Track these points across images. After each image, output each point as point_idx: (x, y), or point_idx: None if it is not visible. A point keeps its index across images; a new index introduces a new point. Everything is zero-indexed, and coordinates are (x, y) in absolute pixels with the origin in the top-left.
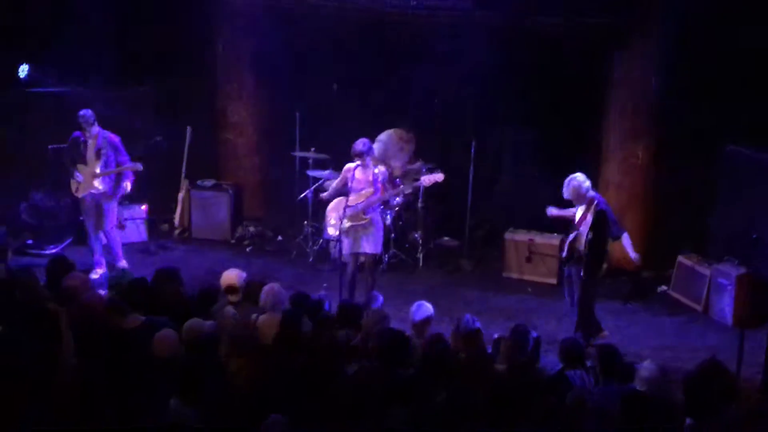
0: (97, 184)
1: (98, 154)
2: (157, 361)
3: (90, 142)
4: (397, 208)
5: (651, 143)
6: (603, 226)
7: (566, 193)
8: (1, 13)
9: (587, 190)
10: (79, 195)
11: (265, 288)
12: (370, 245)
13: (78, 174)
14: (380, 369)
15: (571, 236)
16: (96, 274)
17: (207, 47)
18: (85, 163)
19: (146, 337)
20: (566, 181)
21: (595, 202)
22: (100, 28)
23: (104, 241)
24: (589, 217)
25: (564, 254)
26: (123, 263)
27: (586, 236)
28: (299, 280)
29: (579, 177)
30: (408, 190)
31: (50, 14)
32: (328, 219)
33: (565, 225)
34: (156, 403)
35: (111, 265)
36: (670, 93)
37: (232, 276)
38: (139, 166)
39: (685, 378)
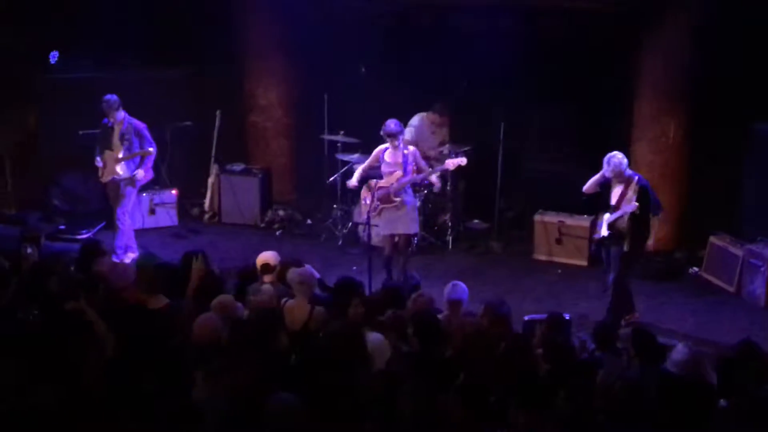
0: (119, 169)
1: (122, 140)
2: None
3: (115, 127)
4: (425, 192)
5: (682, 122)
6: (646, 201)
7: (607, 170)
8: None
9: (626, 168)
10: (104, 180)
11: (295, 270)
12: (404, 225)
13: (99, 159)
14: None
15: (613, 216)
16: (128, 258)
17: (237, 30)
18: (111, 148)
19: (170, 318)
20: (606, 158)
21: (636, 179)
22: (131, 12)
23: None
24: (630, 194)
25: (600, 235)
26: (128, 257)
27: (629, 213)
28: (328, 263)
29: (619, 155)
30: (436, 173)
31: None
32: (362, 200)
33: (596, 206)
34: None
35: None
36: (702, 70)
37: (268, 256)
38: (152, 151)
39: (720, 359)
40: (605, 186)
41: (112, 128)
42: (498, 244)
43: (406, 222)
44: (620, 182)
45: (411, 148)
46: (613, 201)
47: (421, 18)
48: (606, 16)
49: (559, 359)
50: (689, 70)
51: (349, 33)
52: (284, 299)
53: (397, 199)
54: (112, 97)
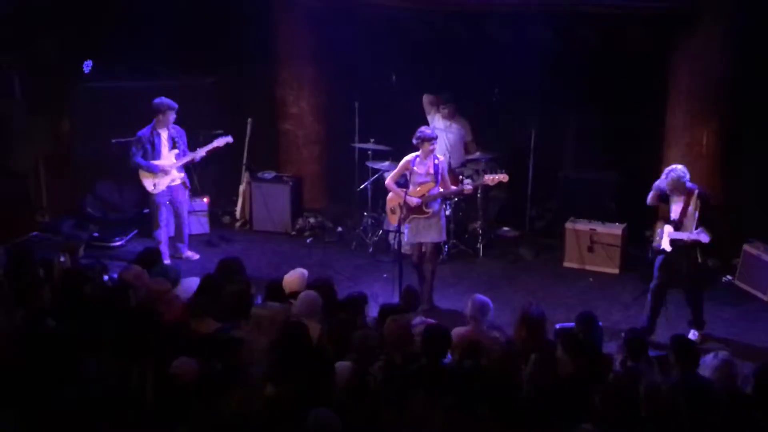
0: (176, 175)
1: (174, 144)
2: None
3: (162, 134)
4: (456, 200)
5: (716, 129)
6: (711, 212)
7: (663, 182)
8: (64, 9)
9: (688, 180)
10: (158, 190)
11: (300, 295)
12: (432, 234)
13: (156, 165)
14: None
15: (678, 235)
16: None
17: (268, 38)
18: (159, 157)
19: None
20: (666, 171)
21: (697, 191)
22: (163, 21)
23: (171, 233)
24: (692, 209)
25: (660, 246)
26: (189, 254)
27: (697, 224)
28: (359, 270)
29: (680, 167)
30: (469, 189)
31: (113, 9)
32: (388, 209)
33: (625, 215)
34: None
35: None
36: (736, 76)
37: (293, 282)
38: (203, 154)
39: (757, 369)
40: (664, 198)
41: (158, 135)
42: (529, 251)
43: (436, 231)
44: (680, 195)
45: (441, 158)
46: (674, 215)
47: (453, 26)
48: (639, 21)
49: (583, 356)
50: (723, 76)
51: (380, 41)
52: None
53: (429, 210)
54: (166, 100)
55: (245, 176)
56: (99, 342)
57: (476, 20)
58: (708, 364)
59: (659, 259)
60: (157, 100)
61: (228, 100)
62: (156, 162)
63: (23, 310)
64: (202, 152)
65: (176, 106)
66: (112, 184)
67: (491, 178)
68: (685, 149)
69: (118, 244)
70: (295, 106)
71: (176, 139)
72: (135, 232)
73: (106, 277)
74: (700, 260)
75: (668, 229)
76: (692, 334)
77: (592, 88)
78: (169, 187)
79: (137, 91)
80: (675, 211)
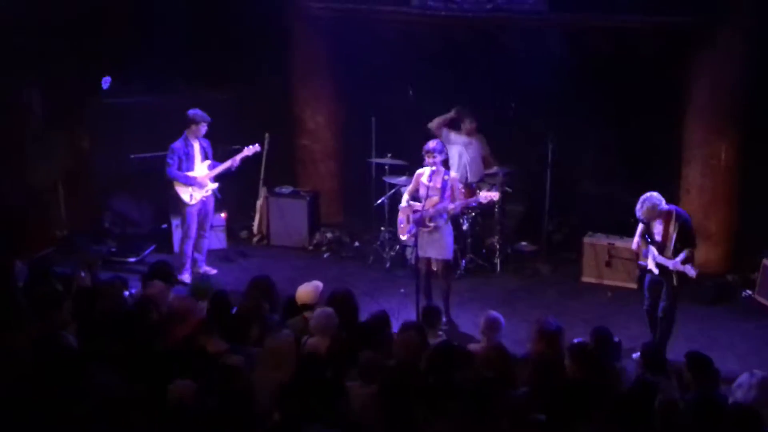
0: (210, 186)
1: (205, 156)
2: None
3: (195, 145)
4: (473, 214)
5: (734, 143)
6: (691, 234)
7: (641, 212)
8: (82, 25)
9: (662, 204)
10: (194, 201)
11: (317, 311)
12: (436, 251)
13: (192, 178)
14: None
15: (662, 260)
16: (187, 279)
17: (285, 53)
18: (193, 168)
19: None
20: (641, 200)
21: (675, 213)
22: (181, 37)
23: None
24: (672, 230)
25: (648, 267)
26: (207, 268)
27: (674, 247)
28: (376, 285)
29: (655, 195)
30: (472, 204)
31: (130, 24)
32: (399, 218)
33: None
34: None
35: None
36: (754, 90)
37: (307, 294)
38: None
39: None
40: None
41: (191, 146)
42: (546, 266)
43: (439, 247)
44: (659, 219)
45: (453, 174)
46: (658, 237)
47: (470, 40)
48: (657, 35)
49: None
50: (741, 90)
51: (396, 55)
52: (305, 337)
53: (432, 224)
54: (200, 112)
55: (262, 191)
56: (111, 357)
57: (493, 34)
58: (744, 383)
59: (647, 279)
60: (191, 112)
61: (245, 115)
62: (190, 174)
63: (42, 325)
64: (237, 160)
65: (210, 118)
66: (130, 199)
67: (484, 196)
68: (703, 163)
69: (135, 259)
70: (312, 121)
71: (207, 151)
72: (153, 247)
73: (126, 293)
74: (675, 283)
75: (653, 250)
76: (635, 356)
77: (610, 102)
78: (201, 199)
79: (155, 107)
80: (657, 233)
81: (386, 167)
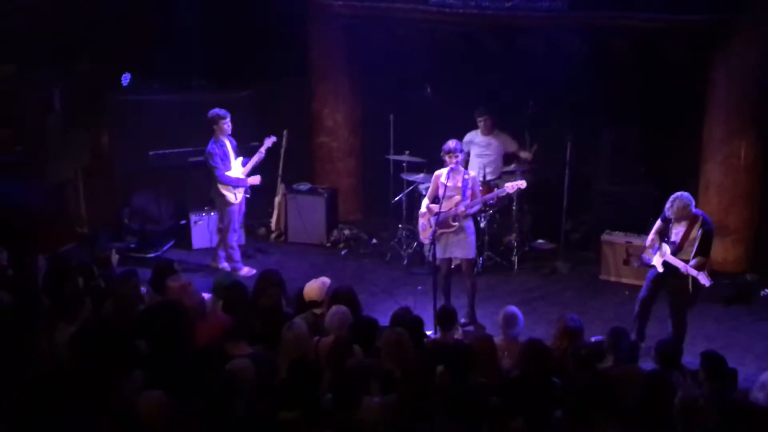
0: (252, 180)
1: (237, 154)
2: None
3: (227, 144)
4: (491, 212)
5: (754, 142)
6: (710, 242)
7: (672, 210)
8: (102, 22)
9: (693, 205)
10: (238, 201)
11: (332, 309)
12: (461, 250)
13: (242, 180)
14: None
15: (674, 262)
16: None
17: (303, 51)
18: (230, 168)
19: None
20: (672, 198)
21: (701, 219)
22: (200, 35)
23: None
24: (694, 235)
25: (651, 262)
26: (224, 264)
27: (696, 252)
28: (394, 283)
29: (686, 195)
30: (492, 200)
31: (150, 22)
32: (420, 223)
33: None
34: None
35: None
36: None
37: (313, 291)
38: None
39: None
40: (667, 218)
41: (223, 145)
42: (564, 264)
43: (464, 247)
44: (685, 220)
45: (472, 173)
46: (674, 238)
47: (488, 38)
48: (675, 35)
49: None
50: (760, 89)
51: (415, 53)
52: (316, 338)
53: (456, 224)
54: (216, 110)
55: (281, 188)
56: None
57: (512, 32)
58: (762, 379)
59: (653, 272)
60: (211, 112)
61: (264, 113)
62: (232, 174)
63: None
64: (262, 153)
65: (227, 114)
66: (149, 195)
67: (510, 186)
68: (722, 162)
69: (155, 254)
70: (331, 119)
71: (237, 149)
72: (172, 243)
73: (143, 289)
74: (691, 291)
75: (666, 249)
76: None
77: (628, 100)
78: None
79: (175, 104)
80: (676, 233)
81: (404, 164)
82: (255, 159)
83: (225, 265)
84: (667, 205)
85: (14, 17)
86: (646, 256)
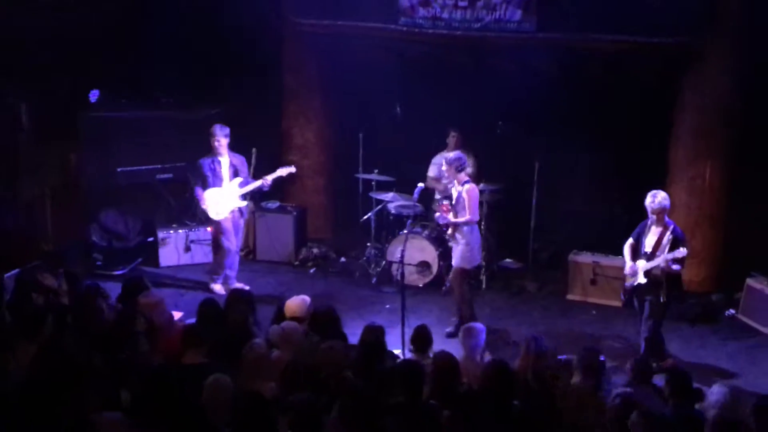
0: (241, 201)
1: (235, 172)
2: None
3: (223, 161)
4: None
5: (719, 164)
6: (682, 244)
7: (654, 206)
8: (70, 38)
9: (668, 207)
10: (221, 218)
11: (282, 324)
12: (453, 259)
13: (202, 197)
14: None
15: (650, 264)
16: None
17: (273, 69)
18: (220, 184)
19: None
20: (652, 194)
21: (671, 227)
22: (169, 52)
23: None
24: (665, 242)
25: (636, 283)
26: (239, 285)
27: (665, 260)
28: (362, 302)
29: (663, 193)
30: (437, 214)
31: (119, 40)
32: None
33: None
34: None
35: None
36: (740, 112)
37: (295, 307)
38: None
39: (756, 404)
40: (638, 235)
41: (218, 162)
42: (532, 284)
43: (455, 255)
44: (658, 227)
45: (468, 186)
46: (647, 249)
47: (458, 59)
48: (643, 57)
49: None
50: (726, 113)
51: (384, 73)
52: (273, 351)
53: (449, 230)
54: (217, 125)
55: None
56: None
57: (481, 52)
58: (711, 398)
59: (635, 291)
60: (221, 127)
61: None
62: (215, 190)
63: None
64: (268, 181)
65: (223, 129)
66: (117, 213)
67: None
68: (688, 183)
69: (121, 272)
70: (301, 137)
71: (238, 168)
72: (139, 260)
73: (112, 302)
74: (662, 299)
75: (642, 263)
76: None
77: (597, 121)
78: (231, 213)
79: (143, 121)
80: (648, 243)
81: (373, 183)
82: (256, 184)
83: (239, 285)
84: (648, 200)
85: None
86: (628, 283)
